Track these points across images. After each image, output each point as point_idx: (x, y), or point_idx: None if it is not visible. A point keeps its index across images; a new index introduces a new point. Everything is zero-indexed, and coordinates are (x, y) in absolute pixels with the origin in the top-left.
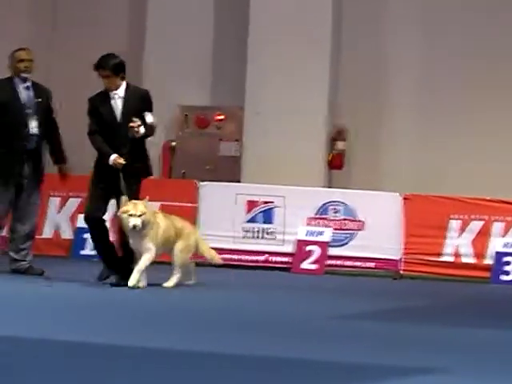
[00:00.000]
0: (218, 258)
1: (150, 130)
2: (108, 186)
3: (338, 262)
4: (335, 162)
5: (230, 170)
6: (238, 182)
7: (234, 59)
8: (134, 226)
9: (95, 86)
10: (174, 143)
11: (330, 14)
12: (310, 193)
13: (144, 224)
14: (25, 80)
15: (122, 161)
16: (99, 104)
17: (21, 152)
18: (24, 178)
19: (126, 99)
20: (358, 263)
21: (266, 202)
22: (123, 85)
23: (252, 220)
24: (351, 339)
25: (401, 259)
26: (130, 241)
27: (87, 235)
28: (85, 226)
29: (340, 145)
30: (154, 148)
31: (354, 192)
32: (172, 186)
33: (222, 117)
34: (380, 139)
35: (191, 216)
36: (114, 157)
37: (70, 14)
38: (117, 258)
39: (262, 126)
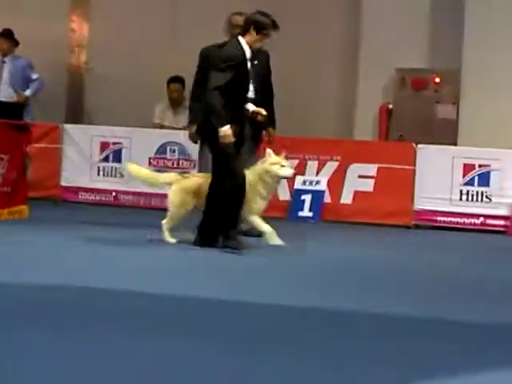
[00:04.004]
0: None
1: None
2: None
3: None
4: None
5: (446, 133)
6: (455, 144)
7: (452, 20)
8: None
9: None
10: (391, 106)
11: None
12: None
13: None
14: None
15: None
16: None
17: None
18: (245, 140)
19: None
20: None
21: (481, 166)
22: None
23: (469, 183)
24: None
25: None
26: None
27: (305, 196)
28: (302, 187)
29: None
30: (371, 110)
31: None
32: (389, 149)
33: (438, 79)
34: None
35: (408, 178)
36: None
37: None
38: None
39: (479, 88)
